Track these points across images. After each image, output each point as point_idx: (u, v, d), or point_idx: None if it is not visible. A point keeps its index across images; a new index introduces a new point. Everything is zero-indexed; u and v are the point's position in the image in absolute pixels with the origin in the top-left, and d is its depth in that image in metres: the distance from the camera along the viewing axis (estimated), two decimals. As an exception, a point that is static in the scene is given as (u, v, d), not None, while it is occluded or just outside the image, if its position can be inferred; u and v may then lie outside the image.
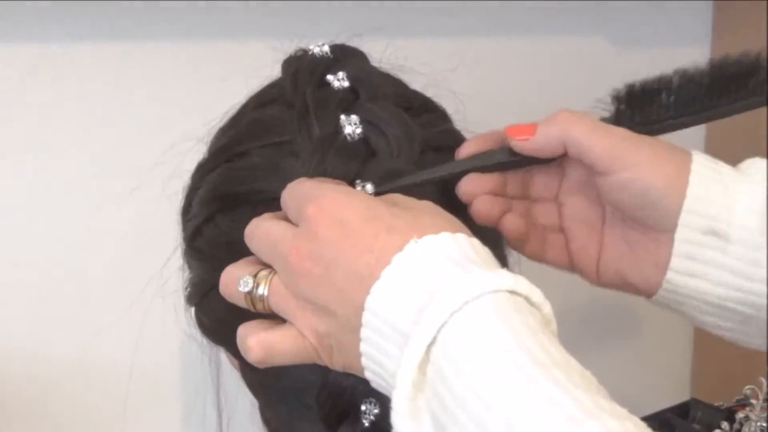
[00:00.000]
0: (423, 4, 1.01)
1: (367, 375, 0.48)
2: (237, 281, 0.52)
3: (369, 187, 0.55)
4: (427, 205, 0.52)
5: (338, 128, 0.56)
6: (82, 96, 0.88)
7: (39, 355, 0.89)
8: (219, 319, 0.60)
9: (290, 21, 0.93)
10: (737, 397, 1.05)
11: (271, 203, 0.56)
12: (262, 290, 0.51)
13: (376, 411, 0.54)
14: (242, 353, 0.52)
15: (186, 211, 0.63)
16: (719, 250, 0.56)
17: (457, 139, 0.63)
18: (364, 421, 0.55)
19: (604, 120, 0.59)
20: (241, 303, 0.52)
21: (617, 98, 0.59)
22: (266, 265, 0.52)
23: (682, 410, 1.06)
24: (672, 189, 0.56)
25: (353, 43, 0.64)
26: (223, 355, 0.65)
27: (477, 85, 1.05)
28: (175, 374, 0.95)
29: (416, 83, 0.65)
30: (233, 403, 0.70)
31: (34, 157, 0.87)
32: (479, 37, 1.06)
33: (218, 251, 0.59)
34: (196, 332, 0.63)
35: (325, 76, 0.59)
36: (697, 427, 1.02)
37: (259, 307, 0.51)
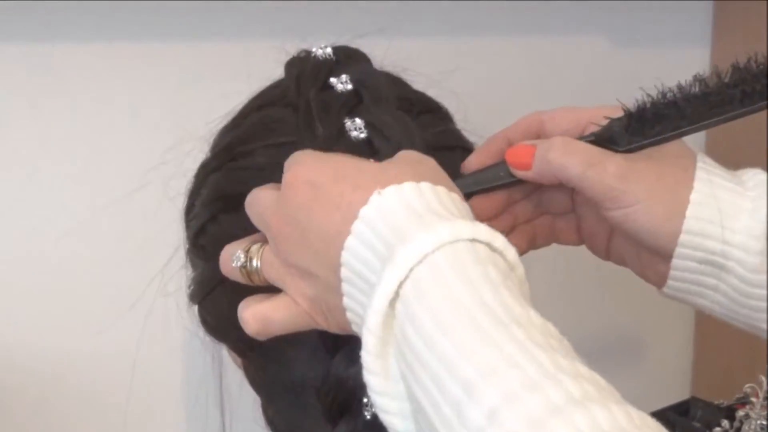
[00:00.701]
0: (425, 4, 1.01)
1: (354, 329, 0.48)
2: (229, 255, 0.53)
3: None
4: (401, 154, 0.52)
5: (342, 131, 0.57)
6: (85, 96, 0.89)
7: (44, 351, 0.89)
8: (221, 316, 0.60)
9: (293, 21, 0.94)
10: (737, 396, 1.05)
11: None
12: (255, 263, 0.52)
13: None
14: (244, 327, 0.53)
15: (189, 210, 0.63)
16: (714, 277, 0.57)
17: (458, 138, 0.63)
18: (366, 413, 0.55)
19: (597, 136, 0.58)
20: (239, 278, 0.53)
21: (612, 126, 0.58)
22: (263, 239, 0.53)
23: (683, 408, 1.06)
24: (668, 225, 0.56)
25: (355, 44, 0.64)
26: (226, 353, 0.65)
27: (478, 84, 1.06)
28: (177, 372, 0.96)
29: (418, 83, 0.65)
30: (236, 400, 0.70)
31: (40, 156, 0.88)
32: (480, 36, 1.06)
33: (221, 249, 0.59)
34: (199, 330, 0.63)
35: (329, 79, 0.60)
36: (697, 425, 1.02)
37: (255, 279, 0.52)
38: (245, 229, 0.56)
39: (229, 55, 0.92)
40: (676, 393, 1.26)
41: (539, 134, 0.61)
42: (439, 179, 0.49)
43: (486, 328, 0.40)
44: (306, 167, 0.50)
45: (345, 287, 0.47)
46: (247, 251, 0.52)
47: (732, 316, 0.58)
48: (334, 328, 0.51)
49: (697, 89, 0.56)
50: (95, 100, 0.89)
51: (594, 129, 0.58)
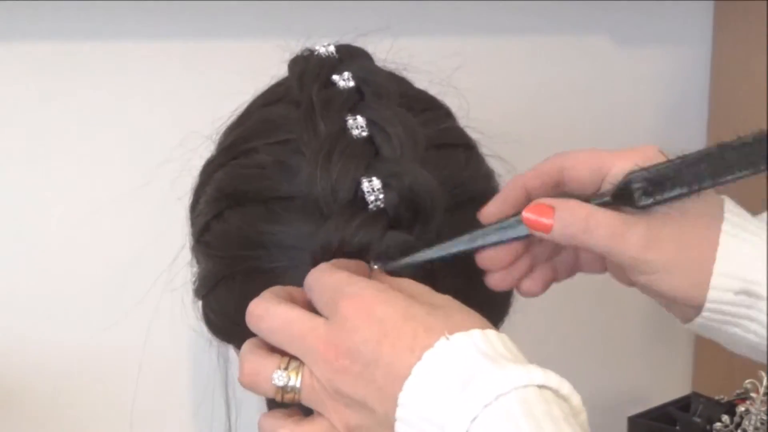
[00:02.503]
0: (428, 3, 1.01)
1: None
2: (267, 373, 0.51)
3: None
4: (453, 302, 0.52)
5: (344, 127, 0.57)
6: (91, 94, 0.88)
7: (51, 348, 0.89)
8: (225, 314, 0.60)
9: (298, 20, 0.94)
10: (738, 391, 1.06)
11: (279, 202, 0.57)
12: (294, 382, 0.51)
13: None
14: None
15: (194, 207, 0.64)
16: (747, 305, 0.56)
17: (461, 136, 0.64)
18: None
19: (615, 197, 0.57)
20: (268, 394, 0.52)
21: (630, 185, 0.56)
22: (286, 354, 0.52)
23: (684, 404, 1.07)
24: (692, 293, 0.56)
25: (359, 42, 0.64)
26: (232, 351, 0.66)
27: (481, 83, 1.06)
28: (184, 368, 0.96)
29: (421, 82, 0.65)
30: (241, 398, 0.70)
31: (49, 154, 0.87)
32: (483, 35, 1.06)
33: (227, 245, 0.59)
34: (205, 328, 0.64)
35: (331, 76, 0.60)
36: (698, 420, 1.02)
37: (288, 398, 0.51)
38: (249, 224, 0.57)
39: (236, 54, 0.92)
40: (678, 388, 1.26)
41: (558, 182, 0.59)
42: (494, 329, 0.50)
43: None
44: (370, 300, 0.50)
45: (399, 426, 0.47)
46: (287, 369, 0.51)
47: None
48: None
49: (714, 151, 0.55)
50: (101, 99, 0.89)
51: (609, 186, 0.57)
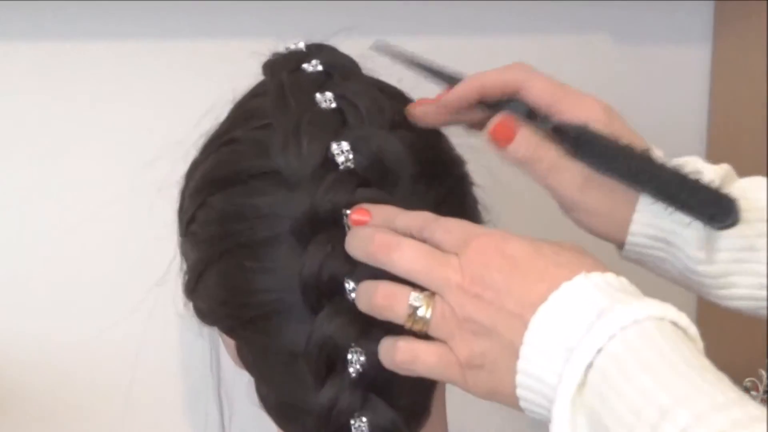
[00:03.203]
0: (428, 3, 1.02)
1: (518, 392, 0.51)
2: (403, 295, 0.54)
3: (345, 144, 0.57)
4: (580, 248, 0.56)
5: (313, 102, 0.59)
6: (88, 95, 0.89)
7: (49, 348, 0.90)
8: (211, 297, 0.61)
9: (298, 21, 0.95)
10: (738, 390, 1.06)
11: (260, 177, 0.59)
12: (424, 312, 0.53)
13: (362, 359, 0.56)
14: (384, 354, 0.55)
15: (181, 207, 0.65)
16: (664, 252, 0.64)
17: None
18: (351, 370, 0.56)
19: (564, 133, 0.62)
20: (400, 318, 0.54)
21: (580, 137, 0.62)
22: (417, 287, 0.54)
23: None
24: (616, 233, 0.64)
25: (360, 43, 0.65)
26: (224, 356, 0.66)
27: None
28: (178, 369, 0.97)
29: (421, 81, 0.66)
30: (233, 396, 0.71)
31: (45, 156, 0.88)
32: (483, 35, 1.07)
33: (210, 227, 0.61)
34: (201, 328, 0.65)
35: (301, 65, 0.62)
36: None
37: (417, 327, 0.54)
38: (230, 203, 0.58)
39: (237, 56, 0.92)
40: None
41: (512, 96, 0.64)
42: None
43: (680, 367, 0.46)
44: (500, 238, 0.53)
45: (525, 350, 0.50)
46: (418, 298, 0.54)
47: (686, 283, 0.64)
48: (474, 389, 0.54)
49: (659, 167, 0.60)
50: (98, 99, 0.90)
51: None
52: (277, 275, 0.58)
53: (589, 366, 0.47)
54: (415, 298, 0.53)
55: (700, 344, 0.50)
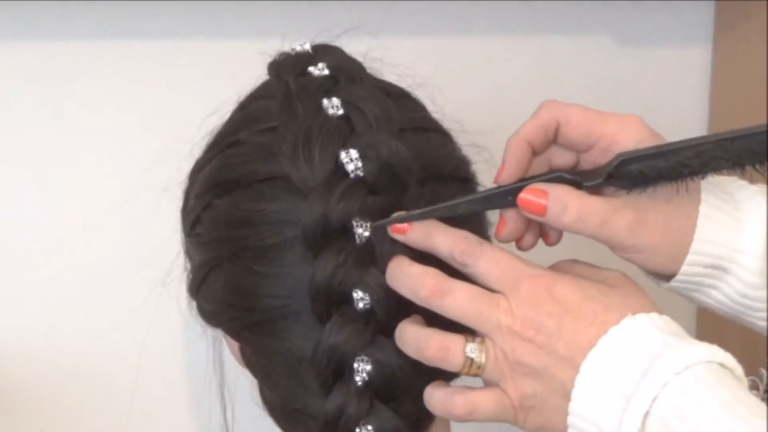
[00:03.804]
0: (429, 3, 1.02)
1: (575, 424, 0.53)
2: (458, 347, 0.55)
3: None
4: (625, 280, 0.57)
5: (320, 108, 0.59)
6: (91, 96, 0.89)
7: (53, 350, 0.90)
8: (217, 298, 0.62)
9: (298, 22, 0.94)
10: (738, 389, 1.06)
11: (264, 182, 0.59)
12: (480, 358, 0.55)
13: (368, 368, 0.57)
14: (440, 406, 0.56)
15: (185, 207, 0.65)
16: (716, 278, 0.62)
17: (435, 123, 0.65)
18: (357, 378, 0.57)
19: (606, 179, 0.60)
20: (455, 368, 0.55)
21: (620, 169, 0.60)
22: (465, 330, 0.56)
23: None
24: (671, 266, 0.62)
25: (364, 43, 0.66)
26: (227, 353, 0.67)
27: (482, 83, 1.07)
28: (181, 370, 0.97)
29: (421, 81, 0.67)
30: (236, 397, 0.71)
31: (48, 158, 0.88)
32: (484, 36, 1.07)
33: (216, 229, 0.61)
34: (204, 329, 0.65)
35: (307, 68, 0.62)
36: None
37: (473, 371, 0.55)
38: (237, 207, 0.59)
39: (240, 58, 0.93)
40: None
41: (553, 136, 0.63)
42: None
43: (745, 417, 0.47)
44: (550, 281, 0.55)
45: (577, 393, 0.52)
46: (479, 343, 0.55)
47: (733, 310, 0.64)
48: (527, 426, 0.55)
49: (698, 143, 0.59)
50: (104, 99, 0.90)
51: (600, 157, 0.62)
52: (285, 281, 0.59)
53: (647, 414, 0.49)
54: (471, 349, 0.55)
55: (746, 383, 0.52)
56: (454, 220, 0.59)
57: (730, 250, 0.61)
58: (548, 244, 0.65)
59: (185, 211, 0.65)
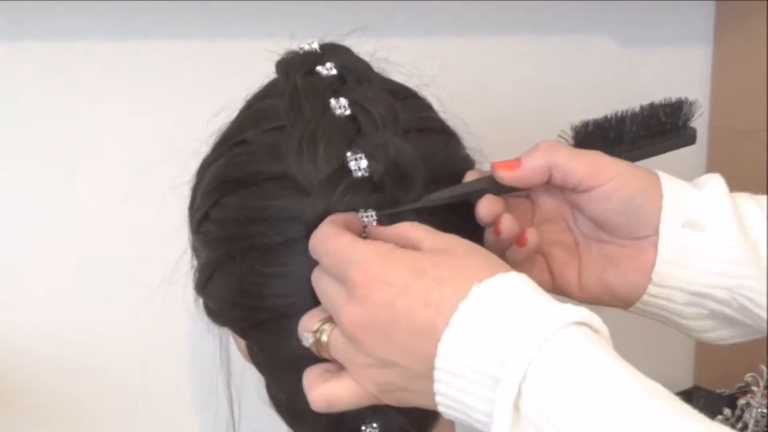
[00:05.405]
0: (431, 3, 1.02)
1: (441, 410, 0.51)
2: (301, 329, 0.55)
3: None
4: (457, 242, 0.54)
5: (327, 108, 0.59)
6: (93, 94, 0.88)
7: (57, 347, 0.89)
8: (223, 297, 0.62)
9: (303, 22, 0.94)
10: (739, 385, 1.07)
11: (271, 181, 0.59)
12: (325, 339, 0.54)
13: None
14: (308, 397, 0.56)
15: (192, 205, 0.65)
16: (695, 239, 0.61)
17: (442, 123, 0.65)
18: None
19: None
20: (305, 341, 0.55)
21: (575, 134, 0.64)
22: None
23: (685, 397, 1.07)
24: (650, 193, 0.61)
25: (365, 42, 0.66)
26: (233, 350, 0.67)
27: (484, 83, 1.07)
28: (187, 366, 0.97)
29: (421, 82, 0.66)
30: (243, 393, 0.71)
31: (56, 155, 0.88)
32: (485, 36, 1.07)
33: (223, 228, 0.61)
34: (210, 326, 0.65)
35: (315, 67, 0.62)
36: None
37: (324, 355, 0.54)
38: (244, 205, 0.59)
39: (245, 57, 0.93)
40: (679, 382, 1.27)
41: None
42: (506, 265, 0.53)
43: (624, 393, 0.46)
44: (374, 265, 0.52)
45: (439, 375, 0.49)
46: (316, 331, 0.55)
47: (715, 286, 0.62)
48: (401, 404, 0.54)
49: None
50: (110, 99, 0.89)
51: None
52: (290, 280, 0.59)
53: (519, 396, 0.47)
54: (305, 338, 0.55)
55: (611, 344, 0.50)
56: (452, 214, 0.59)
57: (698, 210, 0.61)
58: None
59: (192, 208, 0.66)
